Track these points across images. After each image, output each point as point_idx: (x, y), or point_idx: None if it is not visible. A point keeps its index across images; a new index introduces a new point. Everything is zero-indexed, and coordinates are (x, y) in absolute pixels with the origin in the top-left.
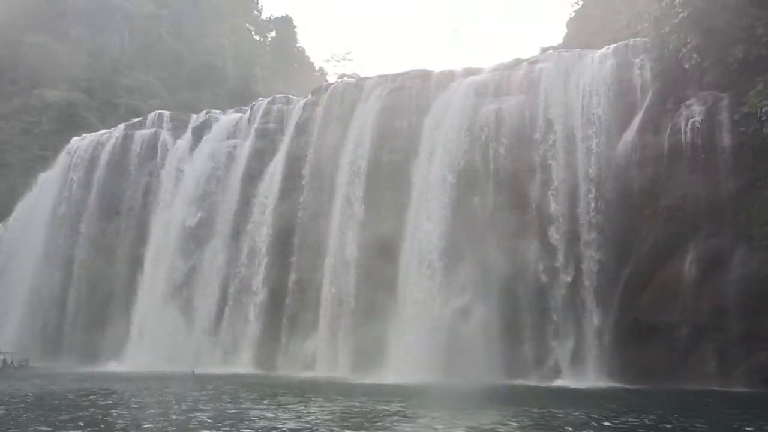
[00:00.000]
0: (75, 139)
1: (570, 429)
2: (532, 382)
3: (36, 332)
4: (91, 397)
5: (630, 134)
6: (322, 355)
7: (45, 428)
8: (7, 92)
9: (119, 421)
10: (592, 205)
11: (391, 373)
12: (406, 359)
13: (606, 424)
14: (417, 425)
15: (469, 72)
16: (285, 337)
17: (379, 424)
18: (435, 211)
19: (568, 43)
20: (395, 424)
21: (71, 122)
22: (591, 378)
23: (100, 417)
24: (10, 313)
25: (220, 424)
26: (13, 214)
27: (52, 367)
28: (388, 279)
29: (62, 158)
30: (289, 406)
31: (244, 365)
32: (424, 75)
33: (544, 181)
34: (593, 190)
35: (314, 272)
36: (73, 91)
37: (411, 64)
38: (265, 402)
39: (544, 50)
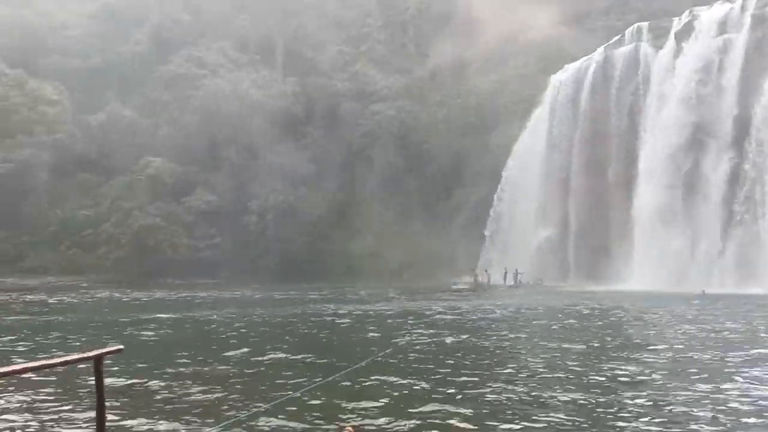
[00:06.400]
0: (557, 73)
1: None
2: None
3: (547, 254)
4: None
5: None
6: None
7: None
8: (486, 44)
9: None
10: None
11: None
12: None
13: None
14: None
15: None
16: None
17: None
18: None
19: None
20: None
21: (554, 57)
22: None
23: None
24: (525, 237)
25: None
26: (515, 147)
27: (561, 286)
28: None
29: (548, 93)
30: None
31: (758, 285)
32: None
33: None
34: None
35: None
36: (555, 26)
37: None
38: None
39: None
